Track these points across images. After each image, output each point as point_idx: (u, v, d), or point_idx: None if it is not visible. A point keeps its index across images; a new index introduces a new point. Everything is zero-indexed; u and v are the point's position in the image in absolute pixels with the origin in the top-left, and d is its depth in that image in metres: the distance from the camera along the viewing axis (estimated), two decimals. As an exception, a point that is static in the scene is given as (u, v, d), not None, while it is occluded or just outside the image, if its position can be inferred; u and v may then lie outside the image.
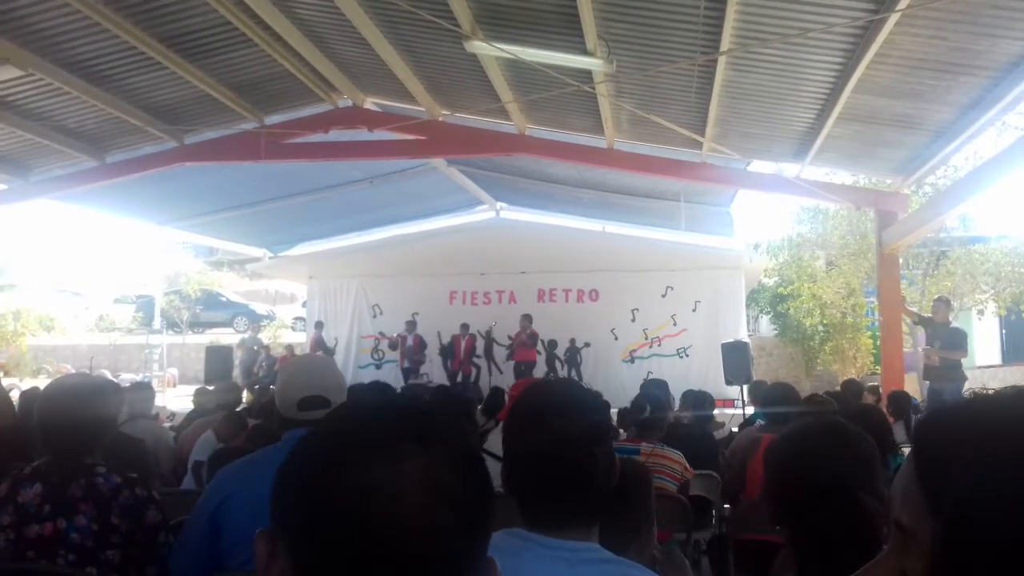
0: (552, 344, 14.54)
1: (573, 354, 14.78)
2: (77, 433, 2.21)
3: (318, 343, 15.54)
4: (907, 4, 4.96)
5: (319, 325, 16.16)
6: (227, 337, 21.10)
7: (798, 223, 18.10)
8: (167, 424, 7.27)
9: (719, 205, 12.23)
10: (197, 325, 24.46)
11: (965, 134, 7.10)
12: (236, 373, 14.11)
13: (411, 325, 14.84)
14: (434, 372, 14.83)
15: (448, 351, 14.93)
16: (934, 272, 16.62)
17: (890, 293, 9.52)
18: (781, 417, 4.21)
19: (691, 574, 2.57)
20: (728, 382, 10.98)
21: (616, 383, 12.95)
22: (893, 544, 0.81)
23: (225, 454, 4.06)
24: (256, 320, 21.97)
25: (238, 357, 15.26)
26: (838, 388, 8.95)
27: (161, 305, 24.89)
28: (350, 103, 9.68)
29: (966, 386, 8.39)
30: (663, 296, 15.15)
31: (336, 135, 9.69)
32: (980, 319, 16.89)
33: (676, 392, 7.03)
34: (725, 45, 5.98)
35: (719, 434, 6.76)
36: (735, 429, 7.11)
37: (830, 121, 7.18)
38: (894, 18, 5.14)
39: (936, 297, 10.45)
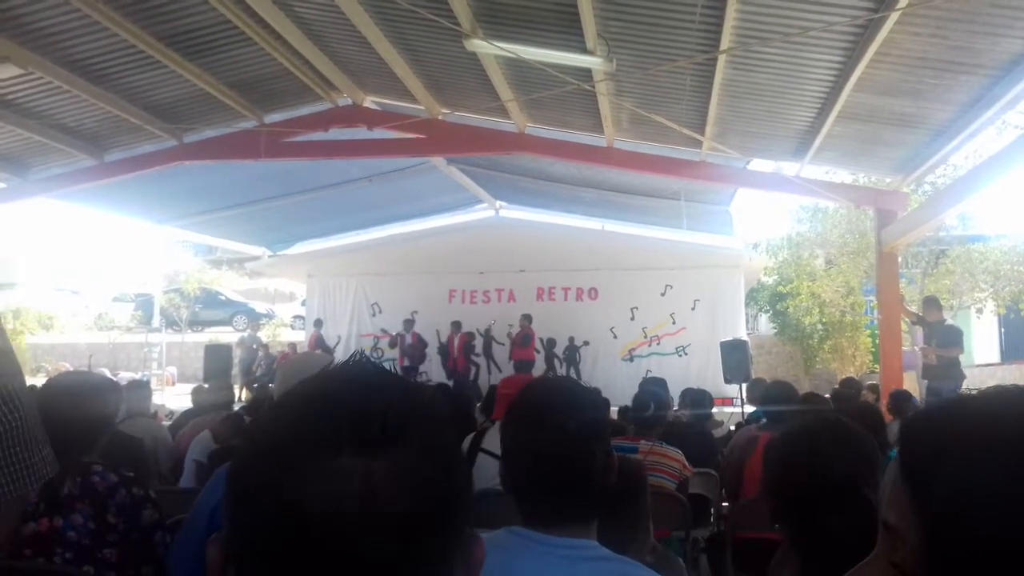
0: (551, 343, 14.55)
1: (572, 353, 14.80)
2: (75, 431, 2.20)
3: (318, 341, 15.55)
4: (907, 3, 4.95)
5: (318, 323, 16.17)
6: (226, 336, 21.08)
7: (797, 222, 18.08)
8: (166, 422, 7.27)
9: (719, 204, 12.22)
10: (196, 323, 24.45)
11: (965, 133, 7.09)
12: (235, 372, 14.12)
13: (409, 324, 14.85)
14: (433, 371, 14.85)
15: (446, 349, 14.96)
16: (933, 271, 16.61)
17: (889, 292, 9.50)
18: (779, 415, 4.21)
19: (685, 574, 2.57)
20: (727, 380, 10.98)
21: (615, 382, 12.94)
22: (882, 544, 0.82)
23: (225, 454, 4.05)
24: (255, 319, 21.93)
25: (237, 356, 15.30)
26: (837, 386, 8.98)
27: (160, 303, 24.92)
28: (350, 102, 9.66)
29: (964, 384, 8.40)
30: (662, 295, 15.16)
31: (336, 134, 9.67)
32: (979, 318, 16.89)
33: (675, 390, 7.01)
34: (725, 44, 5.97)
35: (718, 432, 6.76)
36: (733, 427, 7.12)
37: (830, 120, 7.17)
38: (894, 17, 5.14)
39: (925, 297, 10.46)
